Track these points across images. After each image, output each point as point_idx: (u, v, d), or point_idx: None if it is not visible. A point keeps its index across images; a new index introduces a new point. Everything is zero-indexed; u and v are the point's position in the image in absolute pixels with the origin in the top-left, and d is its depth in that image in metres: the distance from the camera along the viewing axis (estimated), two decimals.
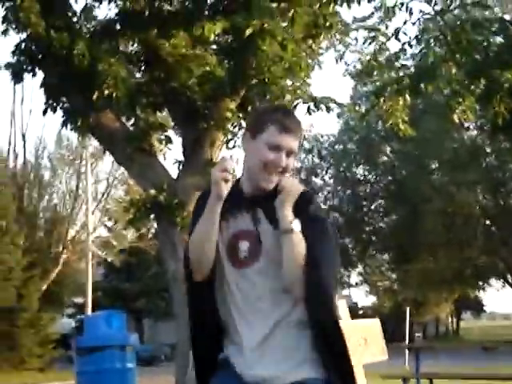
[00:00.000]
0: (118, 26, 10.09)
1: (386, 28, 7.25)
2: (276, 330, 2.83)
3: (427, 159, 33.48)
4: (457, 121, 7.06)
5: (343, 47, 16.27)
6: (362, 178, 40.19)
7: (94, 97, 8.96)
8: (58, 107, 9.66)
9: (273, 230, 2.85)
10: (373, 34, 7.45)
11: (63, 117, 9.58)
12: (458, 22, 6.70)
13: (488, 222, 35.13)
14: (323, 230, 2.88)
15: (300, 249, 2.78)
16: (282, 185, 2.82)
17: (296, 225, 2.79)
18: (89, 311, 29.46)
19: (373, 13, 11.83)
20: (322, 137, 41.02)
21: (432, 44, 7.60)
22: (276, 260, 2.82)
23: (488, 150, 30.21)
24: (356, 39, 14.18)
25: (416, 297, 46.85)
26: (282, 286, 2.82)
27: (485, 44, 6.67)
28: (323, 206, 40.64)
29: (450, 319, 69.93)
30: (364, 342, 5.31)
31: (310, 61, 10.80)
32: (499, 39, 6.74)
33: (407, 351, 19.59)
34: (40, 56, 9.27)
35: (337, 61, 19.50)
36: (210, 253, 2.88)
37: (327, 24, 10.14)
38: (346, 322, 5.23)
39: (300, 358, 2.83)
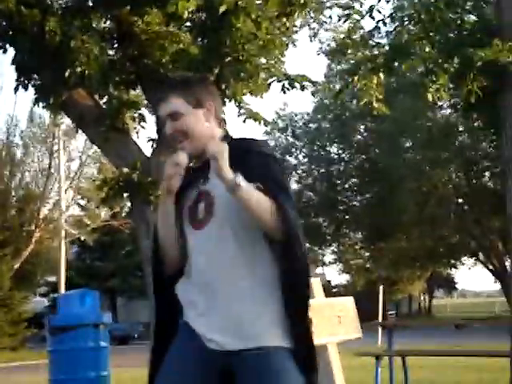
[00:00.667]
0: (90, 3, 9.99)
1: (361, 6, 7.23)
2: (236, 292, 2.80)
3: (401, 138, 33.59)
4: (430, 99, 7.06)
5: (317, 25, 16.28)
6: (336, 156, 40.27)
7: (67, 74, 8.86)
8: (30, 84, 9.55)
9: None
10: (347, 11, 7.42)
11: (35, 94, 9.49)
12: (432, 0, 6.71)
13: (461, 201, 35.38)
14: (266, 167, 2.86)
15: (255, 198, 2.74)
16: (208, 152, 2.77)
17: (239, 179, 2.73)
18: (62, 290, 29.38)
19: None
20: (296, 115, 41.04)
21: (406, 22, 7.61)
22: (232, 216, 2.81)
23: (461, 129, 30.36)
24: (330, 17, 14.19)
25: (389, 275, 47.20)
26: (239, 244, 2.81)
27: (458, 22, 6.69)
28: (296, 186, 40.77)
29: (422, 297, 70.51)
30: (338, 320, 5.33)
31: (284, 39, 10.77)
32: (473, 17, 6.75)
33: (380, 329, 19.76)
34: (11, 32, 9.15)
35: (311, 39, 19.49)
36: (171, 241, 2.93)
37: (301, 1, 10.10)
38: (320, 300, 5.25)
39: (264, 323, 2.80)
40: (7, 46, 9.27)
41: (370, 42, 7.33)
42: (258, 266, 2.83)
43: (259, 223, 2.78)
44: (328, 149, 39.97)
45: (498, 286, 39.53)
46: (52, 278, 38.64)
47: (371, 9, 6.99)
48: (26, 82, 9.49)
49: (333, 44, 18.36)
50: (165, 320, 3.02)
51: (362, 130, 38.81)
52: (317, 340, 2.92)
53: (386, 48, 7.27)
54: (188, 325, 2.89)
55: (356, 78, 7.07)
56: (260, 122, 10.15)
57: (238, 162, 2.78)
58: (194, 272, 2.88)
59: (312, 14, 12.07)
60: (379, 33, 7.53)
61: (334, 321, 5.26)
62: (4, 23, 9.12)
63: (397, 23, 7.41)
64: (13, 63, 9.36)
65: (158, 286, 3.05)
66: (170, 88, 2.94)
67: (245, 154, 2.87)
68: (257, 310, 2.80)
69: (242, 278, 2.81)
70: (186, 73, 3.03)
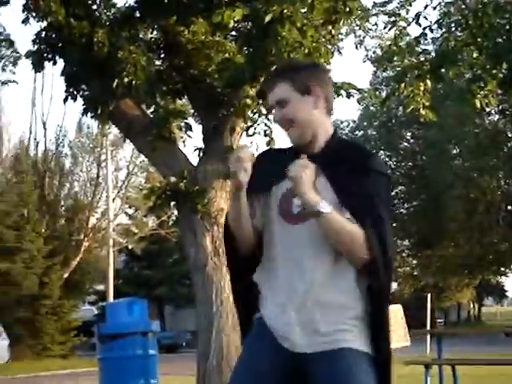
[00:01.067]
0: (138, 14, 10.11)
1: (407, 13, 7.19)
2: (319, 295, 2.74)
3: (448, 144, 33.32)
4: (478, 106, 7.00)
5: (363, 33, 16.24)
6: None
7: (114, 84, 8.97)
8: (78, 95, 9.69)
9: (330, 185, 2.76)
10: (393, 18, 7.39)
11: (83, 105, 9.62)
12: (480, 6, 6.65)
13: (510, 208, 34.95)
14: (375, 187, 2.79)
15: (336, 228, 2.69)
16: (288, 175, 2.71)
17: (324, 206, 2.67)
18: (110, 298, 29.63)
19: None
20: (341, 123, 40.93)
21: (453, 28, 7.55)
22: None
23: (510, 135, 30.02)
24: (376, 24, 14.14)
25: (437, 282, 46.77)
26: (332, 257, 2.75)
27: (507, 28, 6.62)
28: None
29: (471, 305, 69.73)
30: None
31: (329, 47, 10.77)
32: None
33: (429, 337, 19.56)
34: (60, 44, 9.30)
35: (357, 46, 19.44)
36: (246, 230, 2.84)
37: (347, 9, 10.08)
38: None
39: (344, 328, 2.74)
40: (57, 57, 9.42)
41: (417, 48, 7.28)
42: (345, 277, 2.77)
43: (341, 249, 2.74)
44: None
45: None
46: (100, 287, 39.01)
47: (418, 15, 6.95)
48: (75, 92, 9.62)
49: (379, 51, 18.29)
50: (244, 317, 2.96)
51: (408, 137, 38.58)
52: None
53: (433, 54, 7.22)
54: (262, 320, 2.82)
55: (403, 84, 7.03)
56: None
57: (352, 168, 2.76)
58: (281, 263, 2.80)
59: (358, 22, 12.06)
60: (426, 40, 7.49)
61: None
62: (54, 35, 9.27)
63: (444, 29, 7.37)
64: (62, 74, 9.51)
65: (235, 272, 3.00)
66: (277, 74, 2.90)
67: (363, 167, 2.81)
68: (338, 315, 2.75)
69: (327, 285, 2.75)
70: (293, 59, 3.00)
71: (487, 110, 27.06)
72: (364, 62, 24.30)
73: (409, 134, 38.02)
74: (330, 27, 10.38)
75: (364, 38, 18.33)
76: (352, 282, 2.77)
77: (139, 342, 7.04)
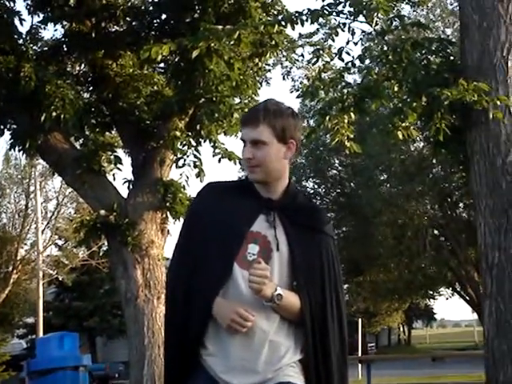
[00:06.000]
0: (65, 47, 10.14)
1: (330, 48, 7.38)
2: (263, 339, 2.80)
3: (376, 171, 33.84)
4: (401, 137, 7.22)
5: (290, 63, 16.51)
6: (312, 191, 40.43)
7: (42, 118, 8.96)
8: (6, 129, 9.65)
9: (285, 238, 2.84)
10: (318, 51, 7.57)
11: (11, 139, 9.57)
12: (399, 42, 6.88)
13: (437, 232, 35.59)
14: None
15: (290, 306, 2.81)
16: (248, 282, 2.74)
17: (278, 298, 2.76)
18: (40, 331, 29.13)
19: (318, 29, 12.07)
20: None
21: (374, 64, 7.80)
22: (284, 270, 2.83)
23: (434, 161, 30.67)
24: (302, 55, 14.40)
25: (368, 307, 47.24)
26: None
27: (425, 62, 6.87)
28: None
29: (401, 328, 70.51)
30: None
31: (257, 78, 10.96)
32: (439, 58, 6.93)
33: (359, 364, 19.78)
34: None
35: (284, 77, 19.66)
36: None
37: (273, 42, 10.31)
38: None
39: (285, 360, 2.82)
40: None
41: (340, 81, 7.47)
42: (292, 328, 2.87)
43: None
44: (304, 183, 40.16)
45: (475, 316, 39.68)
46: (30, 320, 38.32)
47: (340, 51, 7.15)
48: (2, 127, 9.58)
49: (305, 81, 18.58)
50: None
51: (337, 165, 39.05)
52: None
53: (355, 88, 7.43)
54: (203, 364, 2.85)
55: (327, 118, 7.21)
56: (235, 162, 10.29)
57: (307, 225, 2.87)
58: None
59: (284, 53, 12.28)
60: (349, 73, 7.68)
61: None
62: None
63: (365, 64, 7.59)
64: None
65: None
66: (263, 115, 2.86)
67: (320, 229, 2.93)
68: (281, 356, 2.82)
69: (275, 331, 2.83)
70: (278, 102, 2.99)
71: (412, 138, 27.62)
72: (291, 92, 24.62)
73: (337, 161, 38.50)
74: (257, 59, 10.59)
75: (291, 68, 18.63)
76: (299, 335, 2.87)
77: (70, 377, 7.02)
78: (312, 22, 7.05)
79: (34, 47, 9.92)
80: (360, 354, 26.45)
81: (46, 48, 10.26)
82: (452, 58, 6.99)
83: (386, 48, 7.09)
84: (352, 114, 7.32)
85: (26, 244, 35.72)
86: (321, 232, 2.93)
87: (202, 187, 3.02)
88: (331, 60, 7.45)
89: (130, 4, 10.49)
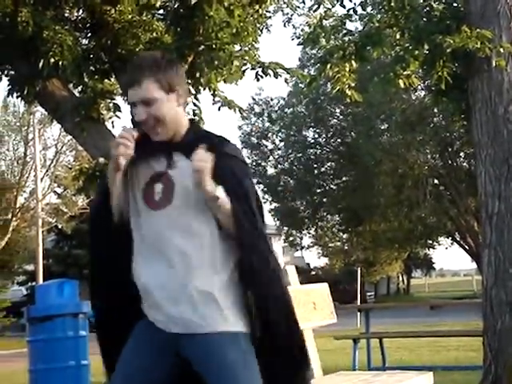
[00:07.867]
0: None
1: None
2: (192, 274, 2.84)
3: (377, 121, 33.72)
4: (402, 86, 7.16)
5: (291, 10, 16.29)
6: (312, 140, 40.34)
7: (40, 65, 8.85)
8: (3, 75, 9.55)
9: (187, 171, 2.85)
10: None
11: (9, 85, 9.48)
12: None
13: (437, 182, 35.60)
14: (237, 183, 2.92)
15: (227, 207, 2.84)
16: (193, 165, 2.79)
17: (219, 192, 2.81)
18: (40, 279, 29.32)
19: None
20: (272, 100, 41.05)
21: (376, 11, 7.69)
22: (191, 201, 2.86)
23: (435, 110, 30.52)
24: (303, 1, 14.20)
25: (367, 257, 47.47)
26: (195, 235, 2.87)
27: (427, 9, 6.77)
28: (273, 170, 40.84)
29: (400, 278, 70.95)
30: (313, 306, 5.42)
31: (257, 25, 10.81)
32: (442, 5, 6.83)
33: (358, 312, 19.93)
34: None
35: (285, 24, 19.43)
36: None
37: None
38: (295, 288, 5.34)
39: (219, 308, 2.83)
40: None
41: (341, 29, 7.38)
42: (216, 258, 2.88)
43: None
44: (304, 133, 40.04)
45: (474, 265, 39.88)
46: (30, 267, 38.53)
47: None
48: (0, 73, 9.47)
49: (306, 29, 18.37)
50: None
51: (337, 114, 38.89)
52: None
53: (357, 35, 7.34)
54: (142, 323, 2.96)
55: (328, 66, 7.13)
56: (235, 110, 10.21)
57: (218, 161, 2.83)
58: (146, 249, 2.92)
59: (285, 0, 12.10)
60: (351, 21, 7.58)
61: (309, 307, 5.34)
62: None
63: (367, 11, 7.50)
64: None
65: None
66: (142, 71, 2.85)
67: (226, 158, 2.92)
68: (211, 295, 2.84)
69: (198, 265, 2.85)
70: (154, 52, 2.93)
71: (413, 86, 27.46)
72: (292, 39, 24.40)
73: (338, 110, 38.33)
74: (258, 6, 10.44)
75: (292, 15, 18.41)
76: (225, 261, 2.89)
77: (70, 324, 7.01)
78: None
79: None
80: (359, 303, 26.66)
81: None
82: (455, 4, 6.90)
83: None
84: (353, 62, 7.25)
85: (25, 192, 35.80)
86: (220, 154, 2.87)
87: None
88: (333, 7, 7.37)
89: None
